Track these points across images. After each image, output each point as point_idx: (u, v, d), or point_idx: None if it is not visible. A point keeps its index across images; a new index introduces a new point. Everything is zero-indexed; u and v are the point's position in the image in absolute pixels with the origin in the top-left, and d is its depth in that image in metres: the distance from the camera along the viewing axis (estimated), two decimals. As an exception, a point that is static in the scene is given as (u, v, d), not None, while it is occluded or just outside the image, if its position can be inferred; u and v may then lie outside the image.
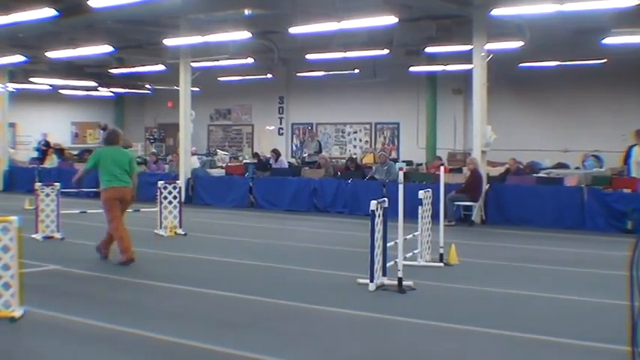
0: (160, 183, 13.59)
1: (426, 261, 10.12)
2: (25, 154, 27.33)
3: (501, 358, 6.16)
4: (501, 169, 17.88)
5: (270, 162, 20.89)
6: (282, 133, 28.24)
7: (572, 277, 9.68)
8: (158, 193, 13.37)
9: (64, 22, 15.49)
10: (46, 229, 12.53)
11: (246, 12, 15.73)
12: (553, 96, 22.17)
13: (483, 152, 15.54)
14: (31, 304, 7.19)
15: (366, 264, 8.47)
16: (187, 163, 19.80)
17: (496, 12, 13.60)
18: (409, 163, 21.90)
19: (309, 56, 20.38)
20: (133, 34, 20.33)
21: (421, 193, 9.75)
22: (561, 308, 7.89)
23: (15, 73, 24.23)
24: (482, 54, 15.36)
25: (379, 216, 8.44)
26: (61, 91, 28.38)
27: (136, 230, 13.68)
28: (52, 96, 28.80)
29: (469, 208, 15.28)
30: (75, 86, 27.23)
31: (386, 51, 18.95)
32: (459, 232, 13.52)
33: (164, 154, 28.12)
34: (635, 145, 15.69)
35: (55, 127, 29.90)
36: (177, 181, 14.31)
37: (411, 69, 22.07)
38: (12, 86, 24.44)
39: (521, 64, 20.41)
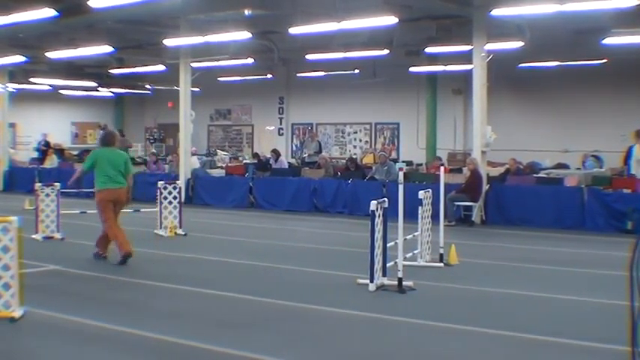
0: (160, 183, 13.59)
1: (426, 261, 10.12)
2: (25, 155, 27.35)
3: (501, 358, 6.16)
4: (501, 170, 17.88)
5: (270, 162, 20.89)
6: (282, 134, 28.25)
7: (571, 278, 9.68)
8: (158, 194, 13.37)
9: (64, 22, 15.49)
10: (46, 230, 12.53)
11: (246, 12, 15.72)
12: (553, 96, 22.17)
13: (483, 152, 15.54)
14: (31, 304, 7.19)
15: (366, 264, 8.47)
16: (187, 163, 19.80)
17: (496, 12, 13.60)
18: (409, 163, 21.91)
19: (309, 56, 20.38)
20: (133, 34, 20.33)
21: (421, 194, 9.75)
22: (561, 308, 7.89)
23: (15, 73, 24.23)
24: (483, 54, 15.37)
25: (379, 216, 8.44)
26: (61, 91, 28.39)
27: (136, 230, 13.70)
28: (52, 96, 28.81)
29: (469, 209, 15.28)
30: (75, 86, 27.23)
31: (386, 51, 18.96)
32: (459, 233, 13.52)
33: (164, 154, 28.13)
34: (635, 144, 15.71)
35: (55, 127, 29.91)
36: (177, 182, 14.31)
37: (411, 69, 22.07)
38: (12, 86, 24.44)
39: (521, 64, 20.42)
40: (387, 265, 8.70)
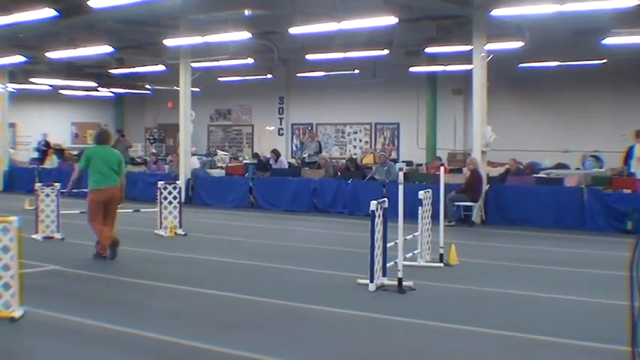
0: (160, 183, 13.58)
1: (426, 261, 10.12)
2: (25, 155, 27.35)
3: (501, 358, 6.16)
4: (501, 170, 17.88)
5: (270, 162, 20.89)
6: (282, 134, 28.25)
7: (571, 278, 9.68)
8: (158, 194, 13.36)
9: (64, 22, 15.50)
10: (46, 230, 12.53)
11: (246, 12, 15.72)
12: (553, 96, 22.17)
13: (483, 152, 15.54)
14: (31, 304, 7.19)
15: (366, 264, 8.47)
16: (187, 163, 19.80)
17: (496, 12, 13.60)
18: (409, 163, 21.91)
19: (309, 56, 20.38)
20: (133, 35, 20.33)
21: (421, 194, 9.75)
22: (561, 308, 7.89)
23: (15, 74, 24.22)
24: (482, 54, 15.37)
25: (379, 216, 8.44)
26: (61, 91, 28.38)
27: (136, 230, 13.73)
28: (52, 96, 28.81)
29: (469, 209, 15.28)
30: (75, 86, 27.23)
31: (386, 51, 18.96)
32: (459, 233, 13.52)
33: (164, 154, 28.12)
34: (635, 144, 15.72)
35: (55, 127, 29.90)
36: (177, 182, 14.30)
37: (411, 69, 22.08)
38: (12, 86, 24.45)
39: (521, 64, 20.42)
40: (387, 265, 8.70)
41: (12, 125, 26.60)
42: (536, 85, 22.22)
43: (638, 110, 19.91)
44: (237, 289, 8.58)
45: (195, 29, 17.19)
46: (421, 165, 22.08)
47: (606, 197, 14.31)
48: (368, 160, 22.91)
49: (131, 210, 15.45)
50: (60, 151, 25.69)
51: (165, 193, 13.33)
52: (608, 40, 15.99)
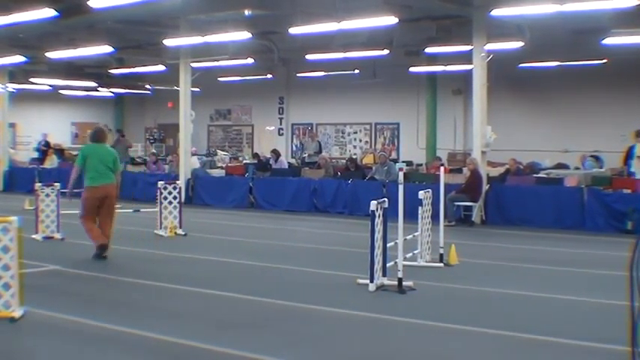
0: (160, 183, 13.58)
1: (426, 261, 10.12)
2: (25, 155, 27.35)
3: (501, 358, 6.16)
4: (501, 170, 17.88)
5: (270, 162, 20.89)
6: (282, 134, 28.25)
7: (571, 278, 9.68)
8: (158, 194, 13.35)
9: (64, 22, 15.50)
10: (46, 230, 12.53)
11: (246, 12, 15.73)
12: (553, 96, 22.17)
13: (483, 152, 15.54)
14: (31, 304, 7.19)
15: (366, 264, 8.47)
16: (187, 163, 19.80)
17: (496, 12, 13.60)
18: (409, 163, 21.90)
19: (309, 56, 20.39)
20: (133, 35, 20.34)
21: (421, 194, 9.75)
22: (561, 308, 7.89)
23: (15, 74, 24.23)
24: (482, 54, 15.37)
25: (379, 216, 8.44)
26: (61, 91, 28.39)
27: (136, 230, 13.74)
28: (52, 96, 28.81)
29: (469, 209, 15.28)
30: (75, 86, 27.23)
31: (386, 51, 18.96)
32: (459, 233, 13.52)
33: (164, 154, 28.11)
34: (635, 144, 15.72)
35: (55, 127, 29.91)
36: (177, 182, 14.30)
37: (411, 69, 22.08)
38: (12, 86, 24.45)
39: (521, 64, 20.42)
40: (387, 265, 8.70)
41: (12, 125, 26.61)
42: (536, 85, 22.22)
43: (638, 110, 19.92)
44: (237, 289, 8.58)
45: (195, 29, 17.19)
46: (421, 165, 22.08)
47: (606, 197, 14.31)
48: (368, 160, 22.91)
49: (131, 210, 15.47)
50: (60, 151, 25.69)
51: (165, 193, 13.33)
52: (608, 40, 15.99)
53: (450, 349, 6.31)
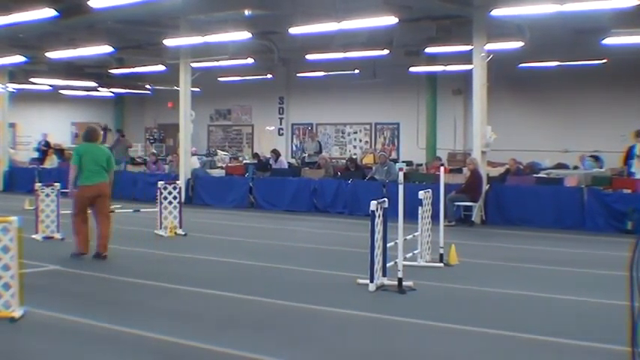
0: (160, 183, 13.57)
1: (426, 261, 10.12)
2: (25, 155, 27.34)
3: (501, 358, 6.16)
4: (501, 170, 17.88)
5: (270, 162, 20.90)
6: (282, 134, 28.25)
7: (571, 278, 9.68)
8: (158, 194, 13.35)
9: (64, 22, 15.50)
10: (46, 230, 12.53)
11: (246, 12, 15.73)
12: (553, 96, 22.17)
13: (483, 152, 15.54)
14: (31, 304, 7.19)
15: (366, 264, 8.47)
16: (187, 163, 19.80)
17: (496, 12, 13.60)
18: (409, 163, 21.90)
19: (309, 56, 20.38)
20: (133, 35, 20.33)
21: (421, 194, 9.75)
22: (561, 308, 7.89)
23: (15, 74, 24.22)
24: (482, 54, 15.37)
25: (379, 216, 8.44)
26: (61, 91, 28.38)
27: (135, 230, 13.74)
28: (52, 96, 28.81)
29: (469, 209, 15.28)
30: (75, 86, 27.23)
31: (386, 51, 18.96)
32: (459, 233, 13.52)
33: (164, 154, 28.11)
34: (635, 144, 15.72)
35: (55, 127, 29.90)
36: (177, 182, 14.30)
37: (411, 69, 22.08)
38: (12, 86, 24.44)
39: (521, 64, 20.42)
40: (387, 265, 8.70)
41: (12, 125, 26.60)
42: (536, 85, 22.22)
43: (638, 110, 19.92)
44: (237, 289, 8.58)
45: (195, 29, 17.19)
46: (421, 165, 22.09)
47: (606, 197, 14.31)
48: (368, 160, 22.91)
49: (131, 210, 15.47)
50: (60, 151, 25.67)
51: (165, 193, 13.32)
52: (608, 40, 15.99)
53: (450, 349, 6.31)
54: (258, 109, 29.24)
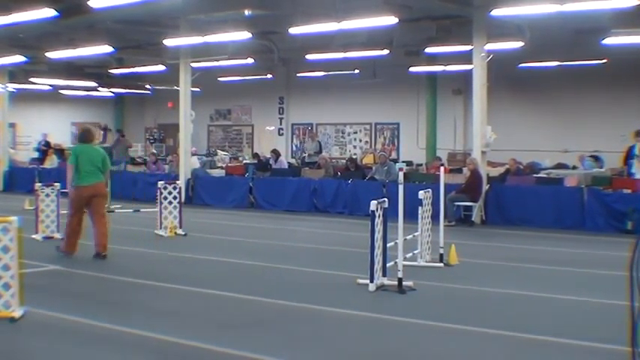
0: (160, 183, 13.58)
1: (426, 261, 10.12)
2: (25, 155, 27.34)
3: (501, 358, 6.16)
4: (501, 170, 17.87)
5: (270, 162, 20.90)
6: (282, 134, 28.25)
7: (571, 278, 9.68)
8: (158, 194, 13.36)
9: (64, 22, 15.50)
10: (46, 230, 12.54)
11: (246, 12, 15.72)
12: (553, 96, 22.17)
13: (483, 152, 15.54)
14: (31, 304, 7.19)
15: (366, 264, 8.47)
16: (187, 163, 19.80)
17: (496, 12, 13.60)
18: (409, 163, 21.90)
19: (309, 56, 20.39)
20: (133, 35, 20.33)
21: (421, 194, 9.75)
22: (561, 308, 7.89)
23: (15, 74, 24.22)
24: (482, 54, 15.37)
25: (379, 216, 8.44)
26: (61, 91, 28.38)
27: (135, 230, 13.75)
28: (52, 96, 28.81)
29: (469, 209, 15.28)
30: (75, 86, 27.23)
31: (386, 51, 18.96)
32: (459, 233, 13.52)
33: (164, 154, 28.11)
34: (635, 144, 15.71)
35: (55, 127, 29.89)
36: (177, 182, 14.30)
37: (411, 69, 22.08)
38: (12, 86, 24.44)
39: (521, 64, 20.42)
40: (387, 265, 8.70)
41: (12, 125, 26.60)
42: (536, 85, 22.22)
43: (638, 110, 19.92)
44: (237, 289, 8.58)
45: (195, 29, 17.18)
46: (421, 165, 22.08)
47: (606, 197, 14.30)
48: (368, 160, 22.90)
49: (131, 210, 15.48)
50: (60, 151, 25.65)
51: (165, 193, 13.33)
52: (608, 40, 15.99)
53: (450, 349, 6.31)
54: (258, 109, 29.24)
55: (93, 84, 26.78)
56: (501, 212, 15.32)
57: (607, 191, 14.52)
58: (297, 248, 12.16)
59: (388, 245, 8.68)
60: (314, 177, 18.47)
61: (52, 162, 24.01)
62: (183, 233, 13.25)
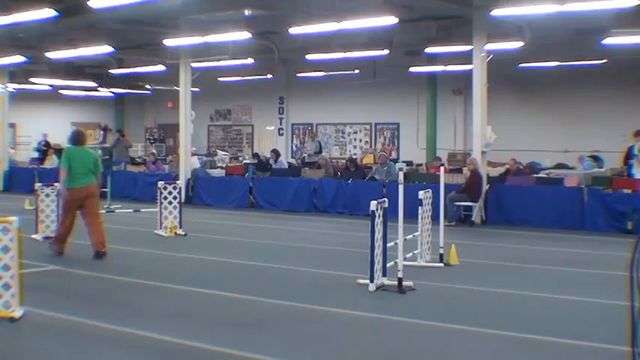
0: (160, 183, 13.58)
1: (426, 261, 10.12)
2: (25, 155, 27.36)
3: (501, 358, 6.16)
4: (501, 170, 17.89)
5: (270, 162, 20.90)
6: (282, 134, 28.25)
7: (571, 278, 9.68)
8: (158, 194, 13.36)
9: (64, 22, 15.50)
10: (46, 230, 12.54)
11: (247, 12, 15.72)
12: (553, 96, 22.18)
13: (483, 152, 15.54)
14: (31, 304, 7.19)
15: (366, 264, 8.48)
16: (187, 163, 19.80)
17: (496, 12, 13.60)
18: (409, 163, 21.92)
19: (309, 56, 20.39)
20: (133, 35, 20.33)
21: (421, 194, 9.75)
22: (561, 308, 7.89)
23: (15, 74, 24.24)
24: (482, 54, 15.37)
25: (379, 216, 8.44)
26: (61, 91, 28.39)
27: (135, 230, 13.75)
28: (52, 96, 28.81)
29: (469, 209, 15.27)
30: (75, 86, 27.24)
31: (386, 51, 18.96)
32: (459, 233, 13.52)
33: (164, 154, 28.12)
34: (635, 144, 15.72)
35: (55, 127, 29.83)
36: (177, 182, 14.30)
37: (411, 69, 22.08)
38: (12, 86, 24.45)
39: (521, 64, 20.43)
40: (387, 265, 8.70)
41: (12, 125, 26.61)
42: (536, 85, 22.23)
43: (638, 110, 19.93)
44: (237, 289, 8.58)
45: (195, 29, 17.18)
46: (421, 165, 22.08)
47: (606, 197, 14.30)
48: (368, 160, 22.91)
49: (131, 210, 15.48)
50: (60, 151, 25.55)
51: (165, 193, 13.33)
52: (608, 40, 15.99)
53: (450, 349, 6.31)
54: (258, 109, 29.24)
55: (93, 84, 26.78)
56: (501, 212, 15.32)
57: (607, 191, 14.52)
58: (297, 248, 12.16)
59: (388, 245, 8.68)
60: (314, 177, 18.47)
61: (52, 162, 23.99)
62: (183, 233, 13.25)
